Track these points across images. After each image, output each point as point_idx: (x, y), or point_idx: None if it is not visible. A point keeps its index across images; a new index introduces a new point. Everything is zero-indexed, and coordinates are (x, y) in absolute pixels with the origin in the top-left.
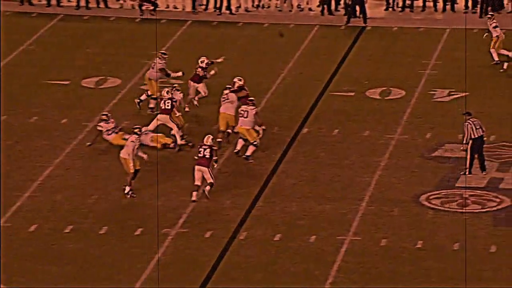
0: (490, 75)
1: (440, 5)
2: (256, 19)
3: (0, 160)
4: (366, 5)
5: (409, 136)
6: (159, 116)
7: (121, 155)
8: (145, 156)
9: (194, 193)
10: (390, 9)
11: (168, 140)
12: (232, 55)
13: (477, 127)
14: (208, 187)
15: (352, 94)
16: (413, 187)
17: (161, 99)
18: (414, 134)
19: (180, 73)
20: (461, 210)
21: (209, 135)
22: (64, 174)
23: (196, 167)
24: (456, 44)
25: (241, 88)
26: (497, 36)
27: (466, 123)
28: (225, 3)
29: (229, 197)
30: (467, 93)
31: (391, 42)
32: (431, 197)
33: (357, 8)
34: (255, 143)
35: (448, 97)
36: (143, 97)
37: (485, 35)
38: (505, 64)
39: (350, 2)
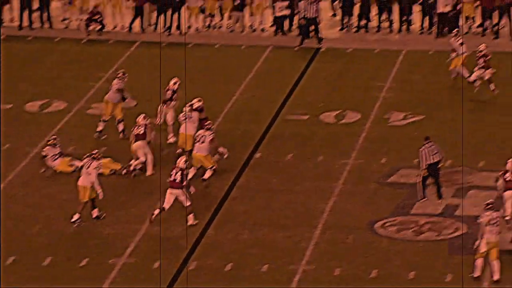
0: (446, 98)
1: (395, 26)
2: (207, 39)
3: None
4: (320, 26)
5: (364, 161)
6: (133, 145)
7: (81, 183)
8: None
9: (156, 212)
10: (345, 29)
11: (117, 166)
12: (182, 77)
13: (434, 152)
14: (191, 215)
15: (306, 117)
16: (368, 214)
17: (137, 125)
18: (369, 159)
19: (134, 103)
20: (416, 238)
21: (182, 157)
22: (6, 202)
23: (168, 190)
24: (412, 66)
25: (201, 109)
26: (464, 52)
27: (421, 150)
28: (175, 24)
29: (180, 224)
30: (423, 117)
31: (346, 63)
32: (386, 224)
33: (311, 28)
34: (213, 167)
35: (404, 120)
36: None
37: (449, 58)
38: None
39: (303, 23)
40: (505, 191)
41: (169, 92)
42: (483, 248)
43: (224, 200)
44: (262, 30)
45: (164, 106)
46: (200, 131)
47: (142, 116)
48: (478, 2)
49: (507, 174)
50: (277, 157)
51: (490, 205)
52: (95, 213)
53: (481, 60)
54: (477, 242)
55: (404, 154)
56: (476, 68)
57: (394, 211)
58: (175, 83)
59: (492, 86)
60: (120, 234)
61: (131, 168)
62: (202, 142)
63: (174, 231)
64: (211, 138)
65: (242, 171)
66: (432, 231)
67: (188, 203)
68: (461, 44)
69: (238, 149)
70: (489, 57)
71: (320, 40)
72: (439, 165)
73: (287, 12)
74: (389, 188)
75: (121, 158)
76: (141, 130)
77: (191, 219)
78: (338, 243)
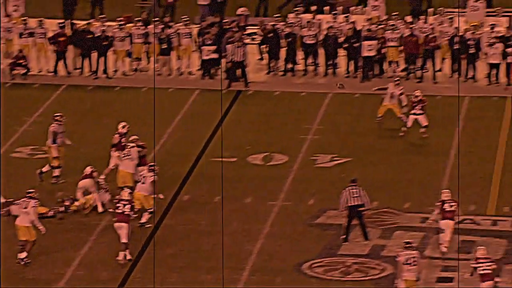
0: (372, 140)
1: (321, 69)
2: (134, 83)
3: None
4: (247, 69)
5: (292, 202)
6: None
7: (20, 223)
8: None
9: (122, 254)
10: (272, 73)
11: (43, 210)
12: (109, 121)
13: (355, 195)
14: (128, 252)
15: (234, 159)
16: (296, 255)
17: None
18: (297, 200)
19: (69, 142)
20: (344, 278)
21: (127, 189)
22: None
23: (116, 224)
24: (338, 108)
25: (142, 147)
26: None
27: (343, 191)
28: (101, 67)
29: (106, 269)
30: (349, 159)
31: (273, 106)
32: (314, 266)
33: (239, 72)
34: (150, 210)
35: (331, 162)
36: (45, 168)
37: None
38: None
39: (231, 66)
40: (442, 219)
41: (117, 136)
42: (401, 287)
43: (150, 243)
44: (190, 73)
45: (114, 151)
46: (143, 172)
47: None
48: (402, 47)
49: (446, 205)
50: (205, 199)
51: (408, 244)
52: (23, 255)
53: (419, 106)
54: (396, 281)
55: (331, 195)
56: (411, 112)
57: (321, 252)
58: (123, 127)
59: (422, 130)
60: (44, 279)
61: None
62: (144, 183)
63: (101, 275)
64: (152, 179)
65: (168, 213)
66: (359, 272)
67: (126, 240)
68: (401, 94)
69: (166, 191)
70: (425, 103)
71: (247, 83)
72: (362, 209)
73: (214, 55)
74: (317, 229)
75: (48, 201)
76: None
77: (128, 255)
78: (266, 285)
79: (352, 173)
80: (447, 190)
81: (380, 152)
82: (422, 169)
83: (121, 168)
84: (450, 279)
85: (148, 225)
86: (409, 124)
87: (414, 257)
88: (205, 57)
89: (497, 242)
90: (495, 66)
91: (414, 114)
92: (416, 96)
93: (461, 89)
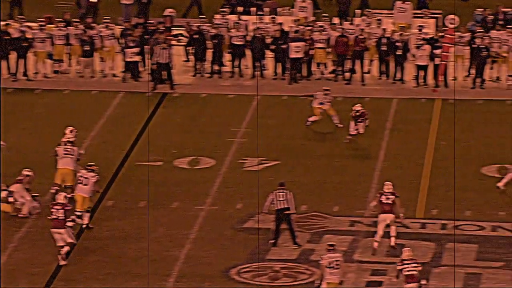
0: (301, 143)
1: (248, 71)
2: (56, 85)
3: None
4: (173, 71)
5: (219, 207)
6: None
7: None
8: None
9: (60, 257)
10: (198, 75)
11: None
12: (29, 124)
13: (281, 198)
14: (66, 248)
15: (160, 163)
16: (224, 260)
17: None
18: (225, 204)
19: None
20: (272, 284)
21: (62, 192)
22: None
23: (52, 230)
24: (266, 111)
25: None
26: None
27: (270, 194)
28: (21, 69)
29: (24, 276)
30: (278, 162)
31: (200, 109)
32: (242, 271)
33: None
34: (88, 209)
35: (259, 166)
36: None
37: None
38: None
39: (156, 68)
40: (380, 213)
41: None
42: None
43: (72, 250)
44: (114, 75)
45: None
46: (83, 171)
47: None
48: (331, 49)
49: (383, 197)
50: (129, 204)
51: (331, 247)
52: None
53: (360, 120)
54: (319, 283)
55: (259, 199)
56: (352, 123)
57: (249, 257)
58: (71, 131)
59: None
60: None
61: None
62: (85, 184)
63: (19, 283)
64: (94, 180)
65: (93, 218)
66: (287, 277)
67: (63, 243)
68: (328, 101)
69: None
70: (367, 116)
71: (173, 85)
72: (288, 212)
73: (138, 57)
74: (245, 233)
75: None
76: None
77: (63, 259)
78: None
79: (280, 177)
80: (389, 183)
81: (308, 155)
82: (351, 172)
83: (60, 166)
84: (379, 283)
85: (91, 226)
86: (351, 132)
87: (337, 260)
88: (128, 59)
89: (426, 245)
90: (423, 68)
91: (355, 124)
92: (358, 111)
93: (389, 91)
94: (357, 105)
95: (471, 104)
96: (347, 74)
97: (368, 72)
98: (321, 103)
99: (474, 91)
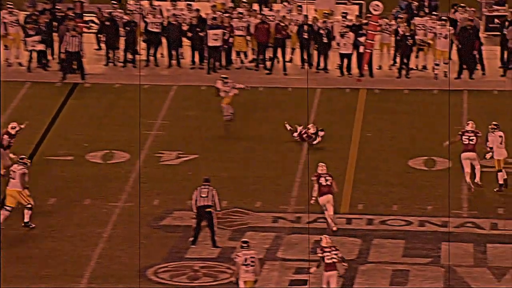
0: (220, 136)
1: (165, 60)
2: None
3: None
4: (84, 60)
5: (135, 203)
6: None
7: None
8: None
9: None
10: (111, 64)
11: None
12: None
13: (203, 195)
14: None
15: (71, 158)
16: (140, 260)
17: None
18: (141, 201)
19: None
20: (192, 284)
21: None
22: None
23: None
24: (184, 102)
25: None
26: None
27: (195, 190)
28: None
29: None
30: (196, 155)
31: (113, 100)
32: (159, 271)
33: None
34: (29, 206)
35: (177, 159)
36: None
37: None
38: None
39: (65, 57)
40: (320, 196)
41: (6, 137)
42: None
43: None
44: (20, 64)
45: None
46: (14, 166)
47: None
48: (251, 36)
49: (321, 179)
50: (39, 202)
51: (245, 244)
52: None
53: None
54: (235, 281)
55: (177, 195)
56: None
57: (167, 256)
58: (13, 128)
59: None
60: None
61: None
62: (14, 178)
63: None
64: (21, 172)
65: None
66: (208, 277)
67: None
68: (233, 88)
69: None
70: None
71: (84, 75)
72: (208, 210)
73: (41, 46)
74: (162, 231)
75: None
76: None
77: None
78: None
79: (200, 171)
80: (323, 164)
81: (229, 148)
82: (273, 166)
83: (9, 187)
84: (303, 282)
85: (32, 226)
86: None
87: (252, 257)
88: (29, 48)
89: (351, 242)
90: (347, 56)
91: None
92: (308, 129)
93: (312, 81)
94: (311, 125)
95: (396, 94)
96: (268, 63)
97: (290, 61)
98: (226, 92)
99: (399, 80)
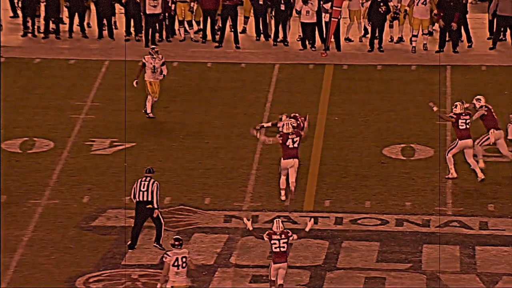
0: (162, 121)
1: (95, 30)
2: None
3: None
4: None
5: (61, 201)
6: None
7: None
8: None
9: None
10: (30, 35)
11: None
12: None
13: (142, 189)
14: None
15: None
16: (68, 268)
17: None
18: (67, 198)
19: None
20: None
21: None
22: None
23: None
24: (117, 80)
25: None
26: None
27: (135, 183)
28: None
29: None
30: (133, 144)
31: (33, 78)
32: (90, 280)
33: None
34: None
35: (110, 148)
36: None
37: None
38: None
39: None
40: (284, 159)
41: None
42: None
43: None
44: None
45: None
46: None
47: None
48: (195, 3)
49: (289, 141)
50: None
51: (178, 242)
52: None
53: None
54: (158, 286)
55: (112, 190)
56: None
57: (100, 263)
58: None
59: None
60: None
61: None
62: None
63: None
64: None
65: None
66: (147, 286)
67: None
68: (162, 65)
69: None
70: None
71: None
72: (150, 207)
73: None
74: (94, 234)
75: None
76: None
77: None
78: None
79: (138, 162)
80: (289, 119)
81: (172, 135)
82: (225, 156)
83: None
84: None
85: None
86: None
87: (184, 257)
88: None
89: (317, 244)
90: (310, 26)
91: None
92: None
93: (269, 55)
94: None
95: (368, 70)
96: (217, 35)
97: (244, 32)
98: (153, 72)
99: (371, 54)
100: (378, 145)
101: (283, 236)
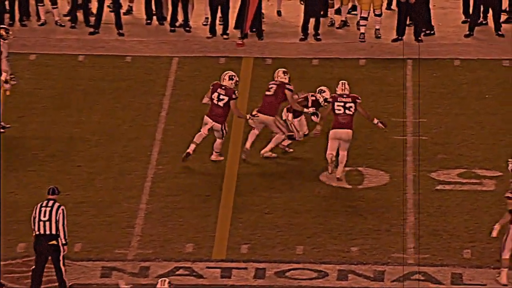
0: (8, 137)
1: None
2: None
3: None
4: None
5: None
6: None
7: None
8: None
9: None
10: None
11: None
12: None
13: (44, 218)
14: None
15: None
16: None
17: None
18: None
19: None
20: None
21: None
22: None
23: None
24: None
25: None
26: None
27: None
28: None
29: None
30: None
31: None
32: None
33: None
34: None
35: None
36: None
37: None
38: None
39: None
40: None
41: None
42: None
43: None
44: None
45: None
46: None
47: None
48: None
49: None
50: None
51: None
52: None
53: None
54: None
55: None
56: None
57: None
58: None
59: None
60: None
61: None
62: None
63: None
64: None
65: None
66: None
67: None
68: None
69: None
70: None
71: None
72: (54, 243)
73: None
74: None
75: None
76: None
77: None
78: None
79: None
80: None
81: (26, 156)
82: (104, 186)
83: None
84: None
85: None
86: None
87: None
88: None
89: None
90: (221, 6)
91: None
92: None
93: (165, 45)
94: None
95: (300, 66)
96: (93, 18)
97: (129, 13)
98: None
99: (305, 44)
100: (314, 168)
101: None
